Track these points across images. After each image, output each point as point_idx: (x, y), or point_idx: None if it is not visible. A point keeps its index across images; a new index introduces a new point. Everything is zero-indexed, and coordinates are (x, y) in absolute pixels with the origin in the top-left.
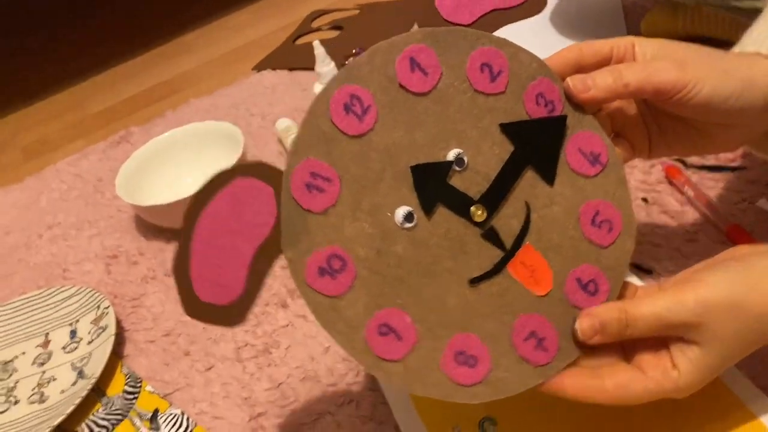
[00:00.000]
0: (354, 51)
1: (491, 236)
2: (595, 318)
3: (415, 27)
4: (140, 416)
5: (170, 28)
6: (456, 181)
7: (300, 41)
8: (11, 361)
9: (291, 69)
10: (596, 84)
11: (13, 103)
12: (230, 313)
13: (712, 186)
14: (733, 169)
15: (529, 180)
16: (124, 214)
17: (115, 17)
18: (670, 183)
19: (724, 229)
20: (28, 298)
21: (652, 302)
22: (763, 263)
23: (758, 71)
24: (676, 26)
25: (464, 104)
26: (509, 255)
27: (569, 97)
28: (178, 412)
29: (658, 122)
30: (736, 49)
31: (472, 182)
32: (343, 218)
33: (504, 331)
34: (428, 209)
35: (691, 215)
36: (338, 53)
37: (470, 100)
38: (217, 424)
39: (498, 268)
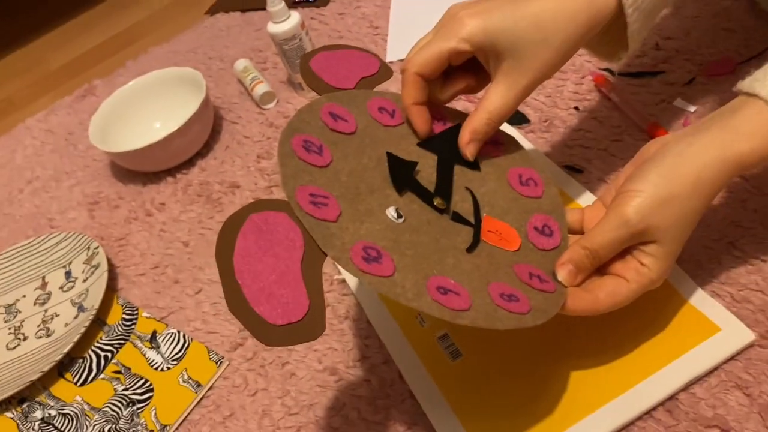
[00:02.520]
0: None
1: (458, 218)
2: (568, 264)
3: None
4: (140, 338)
5: None
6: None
7: None
8: (13, 304)
9: (243, 10)
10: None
11: None
12: (310, 326)
13: (636, 91)
14: (654, 74)
15: (460, 173)
16: (99, 162)
17: None
18: (599, 91)
19: (645, 128)
20: (20, 246)
21: (601, 230)
22: (674, 149)
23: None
24: None
25: (384, 136)
26: (477, 227)
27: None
28: (175, 331)
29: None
30: None
31: (425, 185)
32: (354, 221)
33: (513, 277)
34: (400, 190)
35: (617, 118)
36: None
37: (386, 132)
38: (210, 338)
39: (477, 239)
